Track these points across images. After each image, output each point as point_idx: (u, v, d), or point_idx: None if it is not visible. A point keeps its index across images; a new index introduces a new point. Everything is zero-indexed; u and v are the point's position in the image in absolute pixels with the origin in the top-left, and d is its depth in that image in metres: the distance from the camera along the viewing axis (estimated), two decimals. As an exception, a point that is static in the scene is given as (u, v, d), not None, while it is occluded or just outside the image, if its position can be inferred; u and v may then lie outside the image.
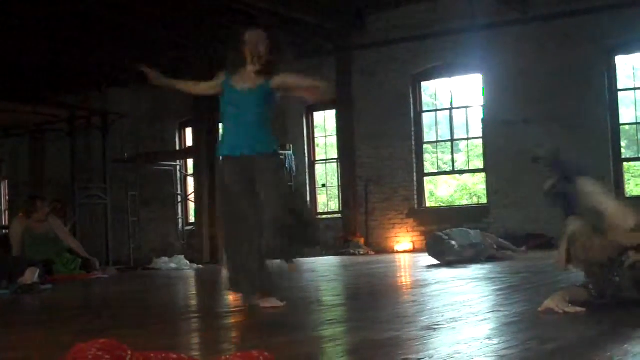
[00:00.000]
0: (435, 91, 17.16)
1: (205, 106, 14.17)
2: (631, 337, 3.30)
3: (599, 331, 3.49)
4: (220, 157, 5.46)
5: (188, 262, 13.01)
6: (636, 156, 16.17)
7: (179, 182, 18.56)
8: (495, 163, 14.96)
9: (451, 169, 17.14)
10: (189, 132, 18.11)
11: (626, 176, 14.97)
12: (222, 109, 5.55)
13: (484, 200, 15.75)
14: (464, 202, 20.16)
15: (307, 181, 17.06)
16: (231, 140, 5.43)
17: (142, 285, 9.62)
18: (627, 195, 14.37)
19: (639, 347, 2.96)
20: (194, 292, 8.46)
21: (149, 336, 4.05)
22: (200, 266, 12.97)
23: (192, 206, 17.43)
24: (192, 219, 17.73)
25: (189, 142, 18.04)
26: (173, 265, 12.75)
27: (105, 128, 15.57)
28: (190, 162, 17.63)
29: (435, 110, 16.79)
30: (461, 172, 17.60)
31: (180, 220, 18.37)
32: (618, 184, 13.85)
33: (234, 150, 5.38)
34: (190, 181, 17.64)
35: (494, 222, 14.54)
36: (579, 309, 4.11)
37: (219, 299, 6.97)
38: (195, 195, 14.98)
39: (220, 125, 5.64)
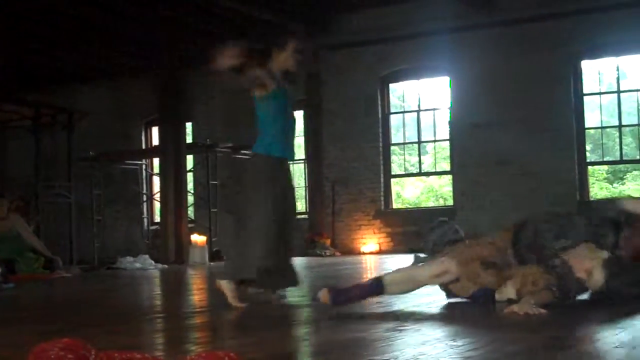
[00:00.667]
0: (403, 93, 17.24)
1: (171, 105, 14.08)
2: (593, 338, 3.33)
3: (561, 333, 3.51)
4: (271, 157, 5.52)
5: (153, 262, 12.92)
6: (600, 160, 16.39)
7: (144, 181, 18.43)
8: (462, 165, 15.04)
9: (418, 170, 17.21)
10: (155, 130, 18.00)
11: (590, 180, 15.14)
12: (270, 113, 5.66)
13: (451, 202, 15.83)
14: (431, 203, 20.27)
15: (274, 182, 17.00)
16: (283, 142, 5.62)
17: (106, 284, 9.54)
18: (591, 199, 14.51)
19: (603, 348, 2.98)
20: (159, 292, 8.40)
21: (113, 336, 4.01)
22: (165, 266, 12.89)
23: (157, 205, 17.31)
24: (157, 218, 17.62)
25: (155, 141, 17.93)
26: (137, 265, 12.65)
27: (71, 126, 15.42)
28: (156, 161, 17.51)
29: (403, 112, 16.85)
30: (428, 174, 17.68)
31: (145, 220, 18.24)
32: (582, 188, 13.99)
33: (284, 152, 5.61)
34: (156, 180, 17.53)
35: (460, 223, 14.49)
36: (542, 310, 4.13)
37: (183, 299, 6.93)
38: (160, 194, 14.86)
39: (265, 127, 5.69)
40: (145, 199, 18.30)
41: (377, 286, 4.58)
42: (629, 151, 16.13)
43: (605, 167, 19.22)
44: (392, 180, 16.37)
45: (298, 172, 17.58)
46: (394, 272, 4.77)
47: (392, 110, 16.50)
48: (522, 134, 14.21)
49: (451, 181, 15.79)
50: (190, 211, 16.36)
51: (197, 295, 7.38)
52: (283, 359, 3.22)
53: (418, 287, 4.71)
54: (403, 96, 17.37)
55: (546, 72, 14.12)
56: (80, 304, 6.64)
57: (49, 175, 16.12)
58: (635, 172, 20.35)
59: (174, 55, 14.16)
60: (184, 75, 14.83)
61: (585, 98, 14.43)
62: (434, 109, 16.10)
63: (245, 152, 16.34)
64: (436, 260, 4.67)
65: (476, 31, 14.69)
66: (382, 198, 15.77)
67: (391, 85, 16.30)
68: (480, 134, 14.57)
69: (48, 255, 10.80)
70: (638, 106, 14.49)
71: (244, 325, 4.36)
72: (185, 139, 15.01)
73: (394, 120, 16.50)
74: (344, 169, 15.98)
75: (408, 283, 4.63)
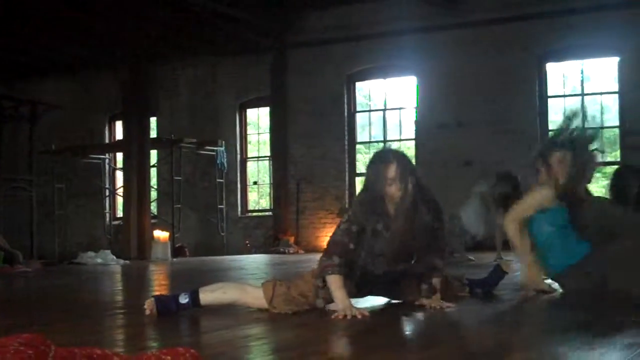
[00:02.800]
0: (370, 92, 17.26)
1: (136, 99, 13.99)
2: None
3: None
4: None
5: (114, 257, 12.82)
6: (563, 162, 16.47)
7: (107, 175, 18.30)
8: (426, 165, 15.08)
9: (383, 169, 17.22)
10: (119, 125, 17.87)
11: (553, 181, 15.24)
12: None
13: (415, 202, 15.85)
14: (395, 203, 20.28)
15: (239, 178, 16.99)
16: None
17: (67, 280, 9.43)
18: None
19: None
20: (120, 288, 8.32)
21: (73, 331, 3.96)
22: (127, 261, 12.79)
23: (120, 200, 17.18)
24: (119, 213, 17.49)
25: (119, 135, 17.80)
26: (99, 260, 12.55)
27: (33, 118, 15.26)
28: (119, 156, 17.38)
29: (369, 111, 16.88)
30: (392, 173, 17.71)
31: (107, 215, 18.11)
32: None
33: None
34: (119, 175, 17.40)
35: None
36: (449, 304, 4.21)
37: (145, 295, 6.87)
38: (123, 189, 14.74)
39: None
40: (107, 193, 18.17)
41: (193, 299, 4.36)
42: (592, 154, 16.24)
43: (568, 169, 19.39)
44: (357, 178, 16.39)
45: (263, 169, 17.55)
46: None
47: (358, 108, 16.53)
48: (487, 135, 14.32)
49: (416, 181, 15.81)
50: (154, 207, 16.27)
51: (158, 291, 7.31)
52: (243, 356, 3.20)
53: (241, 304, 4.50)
54: (369, 95, 17.40)
55: (511, 74, 14.24)
56: (41, 299, 6.56)
57: (10, 168, 15.93)
58: (597, 175, 20.55)
59: (139, 50, 14.06)
60: (149, 69, 14.73)
61: (550, 100, 14.57)
62: (400, 108, 16.16)
63: (209, 147, 16.31)
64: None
65: (443, 32, 14.77)
66: (346, 196, 15.79)
67: (358, 84, 16.33)
68: (446, 134, 14.65)
69: (8, 250, 10.67)
70: (602, 109, 14.66)
71: (204, 323, 4.33)
72: (149, 134, 14.92)
73: (360, 118, 16.52)
74: (309, 167, 15.98)
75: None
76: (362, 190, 4.24)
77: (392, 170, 3.99)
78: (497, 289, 5.08)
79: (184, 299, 4.34)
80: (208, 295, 4.39)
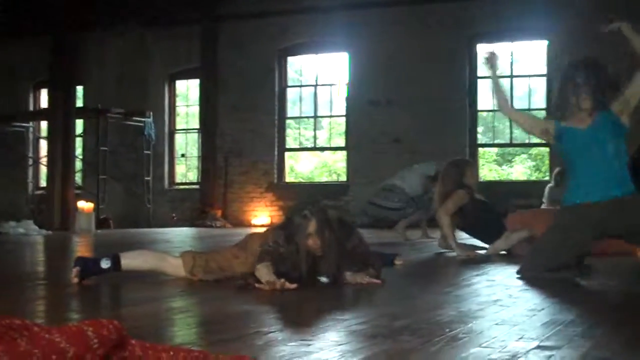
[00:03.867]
0: (301, 67, 17.19)
1: (62, 67, 13.66)
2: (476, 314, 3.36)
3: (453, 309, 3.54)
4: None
5: (37, 228, 12.57)
6: (491, 142, 16.77)
7: (30, 144, 17.90)
8: (356, 142, 15.14)
9: (313, 145, 17.24)
10: (44, 93, 17.45)
11: (481, 161, 15.48)
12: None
13: (344, 178, 15.93)
14: (324, 179, 20.34)
15: (166, 150, 16.78)
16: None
17: (-14, 249, 9.19)
18: (481, 180, 14.83)
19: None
20: (42, 259, 8.14)
21: (-11, 302, 3.84)
22: (50, 232, 12.55)
23: (43, 170, 16.82)
24: (43, 183, 17.13)
25: (44, 103, 17.38)
26: (21, 230, 12.29)
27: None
28: (44, 124, 16.99)
29: (300, 86, 16.82)
30: (323, 149, 17.74)
31: (30, 184, 17.72)
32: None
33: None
34: (43, 144, 17.02)
35: (352, 200, 14.72)
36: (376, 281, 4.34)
37: (67, 267, 6.73)
38: (47, 159, 14.43)
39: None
40: (31, 162, 17.77)
41: (114, 263, 4.56)
42: (519, 135, 16.54)
43: (495, 149, 19.69)
44: (287, 154, 16.35)
45: (191, 142, 17.36)
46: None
47: (290, 83, 16.45)
48: (417, 113, 14.40)
49: (345, 157, 15.88)
50: (78, 177, 15.99)
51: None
52: (167, 329, 3.14)
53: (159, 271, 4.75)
54: (301, 70, 17.33)
55: (442, 54, 14.33)
56: (-44, 269, 6.37)
57: None
58: (523, 156, 20.94)
59: (66, 17, 13.71)
60: (76, 37, 14.39)
61: (479, 81, 14.71)
62: (331, 85, 16.13)
63: (137, 118, 16.05)
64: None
65: (376, 9, 14.78)
66: (275, 171, 15.74)
67: (289, 59, 16.24)
68: (377, 112, 14.69)
69: None
70: (529, 91, 14.88)
71: (129, 296, 4.25)
72: (75, 103, 14.64)
73: (291, 93, 16.45)
74: (238, 141, 15.87)
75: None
76: (281, 229, 4.43)
77: (312, 226, 4.26)
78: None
79: (105, 264, 4.53)
80: (129, 262, 4.61)
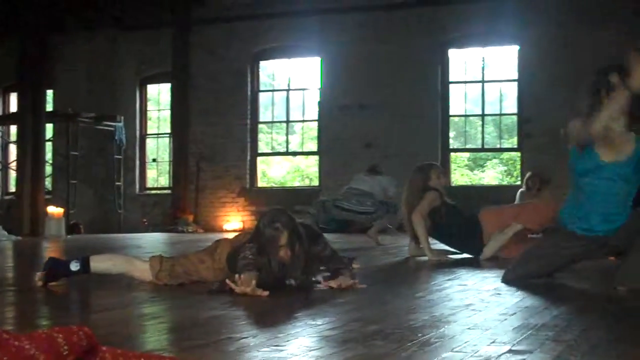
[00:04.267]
0: (274, 72, 17.17)
1: (32, 70, 13.55)
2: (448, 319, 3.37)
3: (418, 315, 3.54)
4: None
5: (6, 233, 12.43)
6: (463, 147, 16.84)
7: (0, 148, 17.73)
8: (329, 146, 15.15)
9: (285, 150, 17.21)
10: (13, 97, 17.29)
11: (452, 166, 15.54)
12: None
13: (316, 183, 15.92)
14: (296, 183, 20.33)
15: (137, 155, 16.69)
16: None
17: (-46, 255, 9.07)
18: (453, 185, 14.90)
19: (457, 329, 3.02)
20: (11, 265, 8.05)
21: (-43, 309, 3.79)
22: (19, 237, 12.42)
23: (13, 175, 16.66)
24: (12, 188, 16.97)
25: (13, 107, 17.23)
26: (-11, 236, 12.15)
27: None
28: (13, 129, 16.83)
29: (273, 91, 16.80)
30: (295, 153, 17.72)
31: (-1, 189, 17.57)
32: (444, 174, 14.32)
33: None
34: (13, 148, 16.86)
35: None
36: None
37: (37, 272, 6.65)
38: (17, 163, 14.30)
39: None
40: (0, 167, 17.60)
41: (84, 265, 4.63)
42: (490, 140, 16.66)
43: (467, 154, 19.78)
44: (259, 158, 16.32)
45: (162, 146, 17.28)
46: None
47: (262, 88, 16.43)
48: (389, 118, 14.44)
49: (318, 162, 15.88)
50: (48, 182, 15.86)
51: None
52: (138, 335, 3.11)
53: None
54: (273, 74, 17.32)
55: (415, 59, 14.38)
56: None
57: None
58: (495, 160, 21.07)
59: (36, 20, 13.60)
60: (46, 40, 14.28)
61: (451, 86, 14.78)
62: (303, 89, 16.13)
63: (108, 123, 15.96)
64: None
65: (348, 14, 14.81)
66: (247, 176, 15.70)
67: (262, 63, 16.22)
68: (349, 116, 14.71)
69: None
70: (500, 96, 14.98)
71: (99, 302, 4.22)
72: (45, 107, 14.51)
73: (263, 98, 16.43)
74: (210, 145, 15.82)
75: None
76: (253, 240, 4.43)
77: (283, 239, 4.31)
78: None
79: (75, 266, 4.61)
80: (98, 264, 4.70)
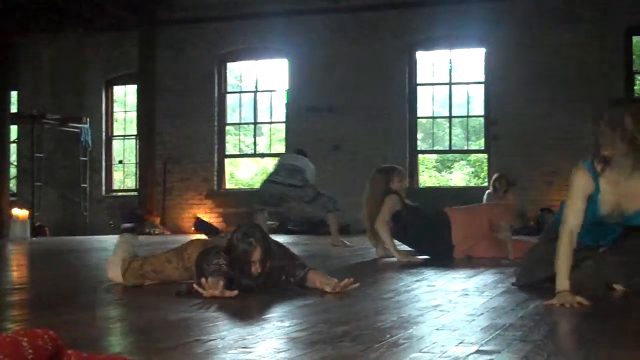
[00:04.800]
0: (241, 73, 17.13)
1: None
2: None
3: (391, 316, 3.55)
4: None
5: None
6: (430, 149, 16.92)
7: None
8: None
9: (253, 151, 17.17)
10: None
11: (420, 168, 15.60)
12: None
13: (283, 185, 15.86)
14: (264, 185, 20.24)
15: (104, 157, 16.56)
16: None
17: None
18: (421, 186, 14.96)
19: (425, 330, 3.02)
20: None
21: None
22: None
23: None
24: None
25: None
26: (-47, 239, 12.00)
27: None
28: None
29: (240, 92, 16.76)
30: (263, 155, 17.68)
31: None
32: (412, 175, 14.39)
33: None
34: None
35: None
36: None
37: (1, 275, 6.59)
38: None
39: None
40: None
41: None
42: (458, 141, 16.76)
43: (435, 155, 19.89)
44: (226, 160, 16.27)
45: (129, 148, 17.16)
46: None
47: (229, 89, 16.39)
48: (357, 120, 14.47)
49: (285, 164, 15.82)
50: (13, 184, 15.70)
51: (16, 271, 7.03)
52: (103, 338, 3.08)
53: None
54: (241, 76, 17.28)
55: (382, 61, 14.43)
56: None
57: None
58: (462, 162, 21.20)
59: (3, 20, 13.46)
60: (10, 41, 14.13)
61: (419, 88, 14.84)
62: (271, 91, 16.11)
63: (73, 124, 15.83)
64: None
65: (316, 16, 14.82)
66: (215, 178, 15.65)
67: (229, 64, 16.18)
68: (316, 118, 14.72)
69: None
70: (468, 98, 15.07)
71: (64, 304, 4.17)
72: (9, 108, 14.37)
73: (231, 99, 16.38)
74: (177, 147, 15.74)
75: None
76: (225, 251, 4.45)
77: (256, 254, 4.34)
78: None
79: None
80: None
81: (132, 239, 5.16)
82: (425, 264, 6.48)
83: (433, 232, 7.01)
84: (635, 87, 14.61)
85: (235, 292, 4.11)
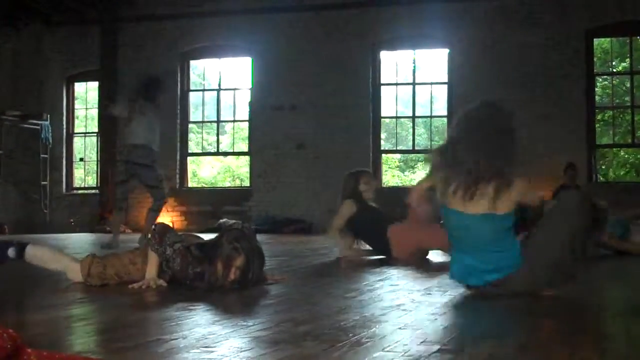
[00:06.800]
0: (204, 71, 17.06)
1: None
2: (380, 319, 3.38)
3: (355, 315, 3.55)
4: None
5: None
6: (394, 148, 16.98)
7: None
8: (260, 147, 15.10)
9: (216, 150, 17.12)
10: None
11: (384, 167, 15.66)
12: None
13: (247, 184, 15.86)
14: (227, 184, 20.24)
15: (64, 154, 16.39)
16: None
17: None
18: (384, 186, 15.00)
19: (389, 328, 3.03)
20: None
21: None
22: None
23: None
24: None
25: None
26: None
27: None
28: None
29: (203, 90, 16.69)
30: (226, 154, 17.66)
31: None
32: (376, 175, 14.42)
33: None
34: None
35: (255, 205, 14.68)
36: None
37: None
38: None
39: None
40: None
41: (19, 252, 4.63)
42: (421, 141, 16.85)
43: (398, 155, 19.97)
44: (189, 158, 16.18)
45: (90, 146, 17.00)
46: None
47: (192, 87, 16.29)
48: (321, 119, 14.47)
49: (249, 162, 15.82)
50: (-29, 181, 15.48)
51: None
52: (65, 337, 3.05)
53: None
54: (204, 74, 17.20)
55: (347, 60, 14.44)
56: None
57: None
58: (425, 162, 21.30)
59: None
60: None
61: (382, 88, 14.88)
62: (234, 89, 16.05)
63: (33, 121, 15.64)
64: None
65: (279, 14, 14.80)
66: (177, 176, 15.55)
67: (192, 62, 16.09)
68: (280, 117, 14.69)
69: None
70: (431, 98, 15.13)
71: (25, 303, 4.12)
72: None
73: (193, 97, 16.29)
74: (140, 145, 15.58)
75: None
76: (204, 244, 4.58)
77: (239, 261, 4.34)
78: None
79: (12, 253, 4.60)
80: (33, 258, 4.66)
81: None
82: (388, 264, 6.50)
83: (376, 232, 7.16)
84: (597, 89, 14.79)
85: (165, 284, 4.44)
